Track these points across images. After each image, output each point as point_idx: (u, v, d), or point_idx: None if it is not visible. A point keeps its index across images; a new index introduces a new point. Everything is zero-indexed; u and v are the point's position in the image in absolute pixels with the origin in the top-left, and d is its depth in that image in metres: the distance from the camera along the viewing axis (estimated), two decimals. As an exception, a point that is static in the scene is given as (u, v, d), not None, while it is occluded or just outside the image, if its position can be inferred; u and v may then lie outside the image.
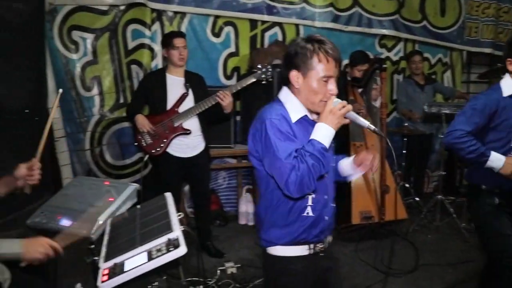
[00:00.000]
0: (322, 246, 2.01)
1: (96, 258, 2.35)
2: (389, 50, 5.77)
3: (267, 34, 5.06)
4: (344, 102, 1.83)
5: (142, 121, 3.74)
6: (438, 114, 4.69)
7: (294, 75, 1.89)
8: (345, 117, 1.84)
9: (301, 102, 1.92)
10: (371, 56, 5.00)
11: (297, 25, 5.14)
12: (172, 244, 1.54)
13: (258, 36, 5.03)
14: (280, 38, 5.09)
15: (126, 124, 4.57)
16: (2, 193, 2.17)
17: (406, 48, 5.84)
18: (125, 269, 1.52)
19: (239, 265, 3.89)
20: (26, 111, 2.76)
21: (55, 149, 4.22)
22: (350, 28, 5.24)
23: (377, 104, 4.57)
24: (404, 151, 5.17)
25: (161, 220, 1.75)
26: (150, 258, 1.52)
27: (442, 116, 4.64)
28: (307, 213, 1.93)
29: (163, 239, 1.59)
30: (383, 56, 5.57)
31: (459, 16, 5.89)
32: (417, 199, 5.20)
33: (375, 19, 5.37)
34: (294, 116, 1.91)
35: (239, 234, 4.75)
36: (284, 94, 1.97)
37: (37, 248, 1.85)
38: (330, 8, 5.11)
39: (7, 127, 2.62)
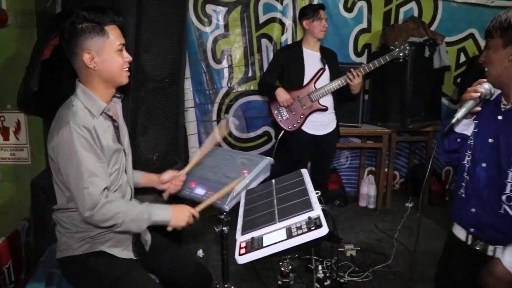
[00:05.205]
0: (480, 247, 1.86)
1: (224, 228, 2.41)
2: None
3: (402, 10, 4.78)
4: None
5: (284, 95, 3.64)
6: None
7: None
8: None
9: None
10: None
11: (435, 0, 4.76)
12: (313, 223, 1.48)
13: (392, 11, 4.77)
14: (416, 14, 4.76)
15: (252, 98, 4.63)
16: (141, 184, 2.30)
17: None
18: (264, 244, 1.49)
19: (358, 248, 3.80)
20: (166, 80, 2.85)
21: (184, 118, 4.40)
22: (497, 2, 4.71)
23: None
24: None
25: (300, 197, 1.69)
26: (289, 235, 1.48)
27: None
28: (461, 192, 1.91)
29: (303, 217, 1.53)
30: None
31: None
32: None
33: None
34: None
35: (359, 216, 4.64)
36: None
37: (183, 217, 1.99)
38: (473, -20, 4.65)
39: (149, 95, 2.73)
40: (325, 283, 3.12)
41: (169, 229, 1.99)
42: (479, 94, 1.77)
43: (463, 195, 1.89)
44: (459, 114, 1.78)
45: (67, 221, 1.91)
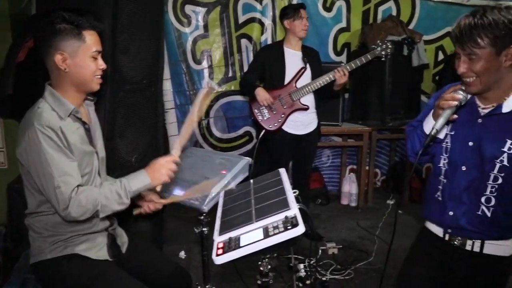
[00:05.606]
0: (458, 242, 1.85)
1: (204, 229, 2.40)
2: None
3: (381, 9, 4.84)
4: None
5: (263, 94, 3.66)
6: None
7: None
8: None
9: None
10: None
11: (413, -1, 4.85)
12: (290, 222, 1.47)
13: (371, 10, 4.82)
14: (394, 13, 4.83)
15: (233, 98, 4.63)
16: None
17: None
18: (241, 244, 1.49)
19: (340, 246, 3.81)
20: (144, 81, 2.82)
21: (165, 119, 4.37)
22: (473, 1, 4.78)
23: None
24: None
25: (277, 197, 1.69)
26: (266, 235, 1.48)
27: None
28: (438, 195, 1.89)
29: (280, 216, 1.53)
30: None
31: None
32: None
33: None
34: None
35: (341, 214, 4.67)
36: None
37: (161, 172, 1.93)
38: (450, -20, 4.72)
39: (126, 96, 2.70)
40: (307, 282, 3.11)
41: (158, 189, 1.96)
42: (456, 102, 1.73)
43: (440, 198, 1.88)
44: (437, 125, 1.75)
45: (39, 225, 1.88)
